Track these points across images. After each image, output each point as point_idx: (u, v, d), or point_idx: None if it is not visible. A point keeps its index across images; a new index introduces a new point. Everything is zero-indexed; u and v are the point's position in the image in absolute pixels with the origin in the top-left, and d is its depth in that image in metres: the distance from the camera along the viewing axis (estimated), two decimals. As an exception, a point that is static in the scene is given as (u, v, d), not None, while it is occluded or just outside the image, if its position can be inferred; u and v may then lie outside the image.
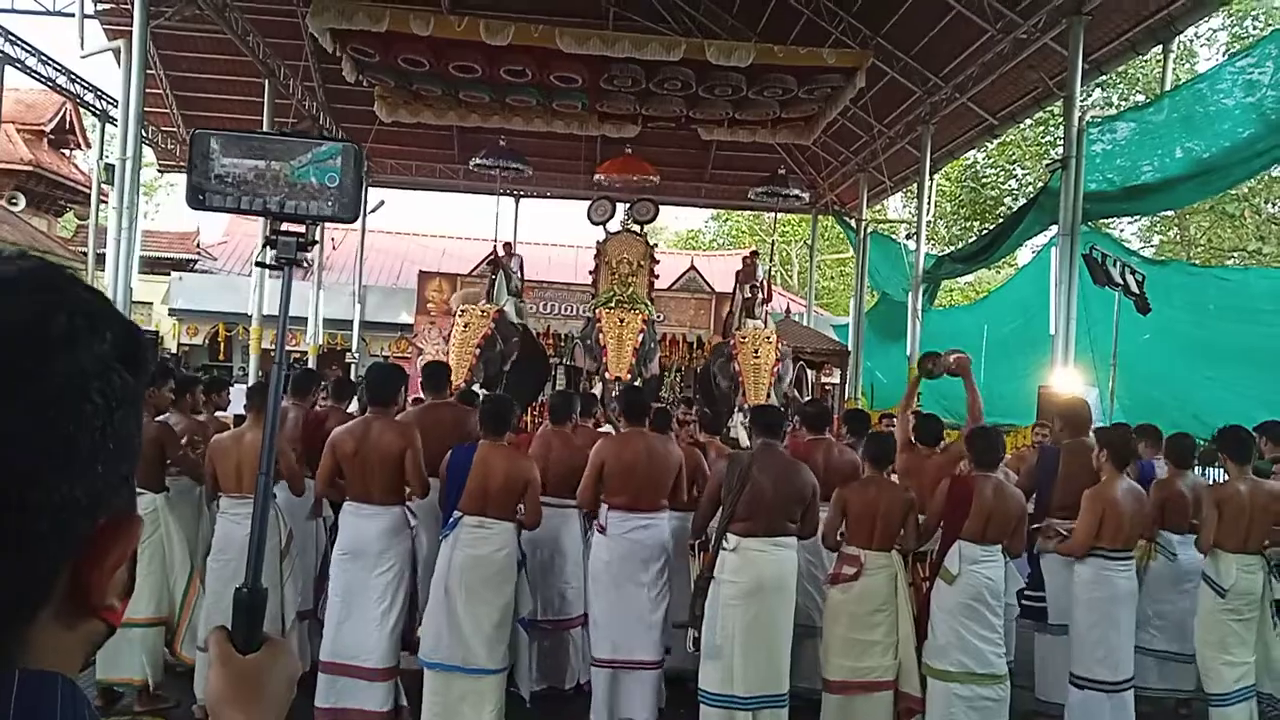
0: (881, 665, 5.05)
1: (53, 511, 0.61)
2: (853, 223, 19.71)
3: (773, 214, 21.51)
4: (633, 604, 5.27)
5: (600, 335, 10.77)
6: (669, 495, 5.50)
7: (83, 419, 0.63)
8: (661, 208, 13.07)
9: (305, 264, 1.44)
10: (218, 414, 6.88)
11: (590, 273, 11.91)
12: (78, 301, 0.66)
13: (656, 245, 12.36)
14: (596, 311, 11.14)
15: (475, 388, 9.80)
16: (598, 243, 12.05)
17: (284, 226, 1.41)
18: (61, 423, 0.62)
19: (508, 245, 12.68)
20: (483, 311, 10.86)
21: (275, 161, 1.37)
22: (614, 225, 12.04)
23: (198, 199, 1.39)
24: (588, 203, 12.65)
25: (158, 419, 5.49)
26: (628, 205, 12.33)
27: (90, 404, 0.63)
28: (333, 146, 1.41)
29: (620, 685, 5.30)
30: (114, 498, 0.67)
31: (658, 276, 12.41)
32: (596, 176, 14.07)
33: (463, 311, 10.82)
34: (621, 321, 10.75)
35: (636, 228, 12.08)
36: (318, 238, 1.51)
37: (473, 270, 12.89)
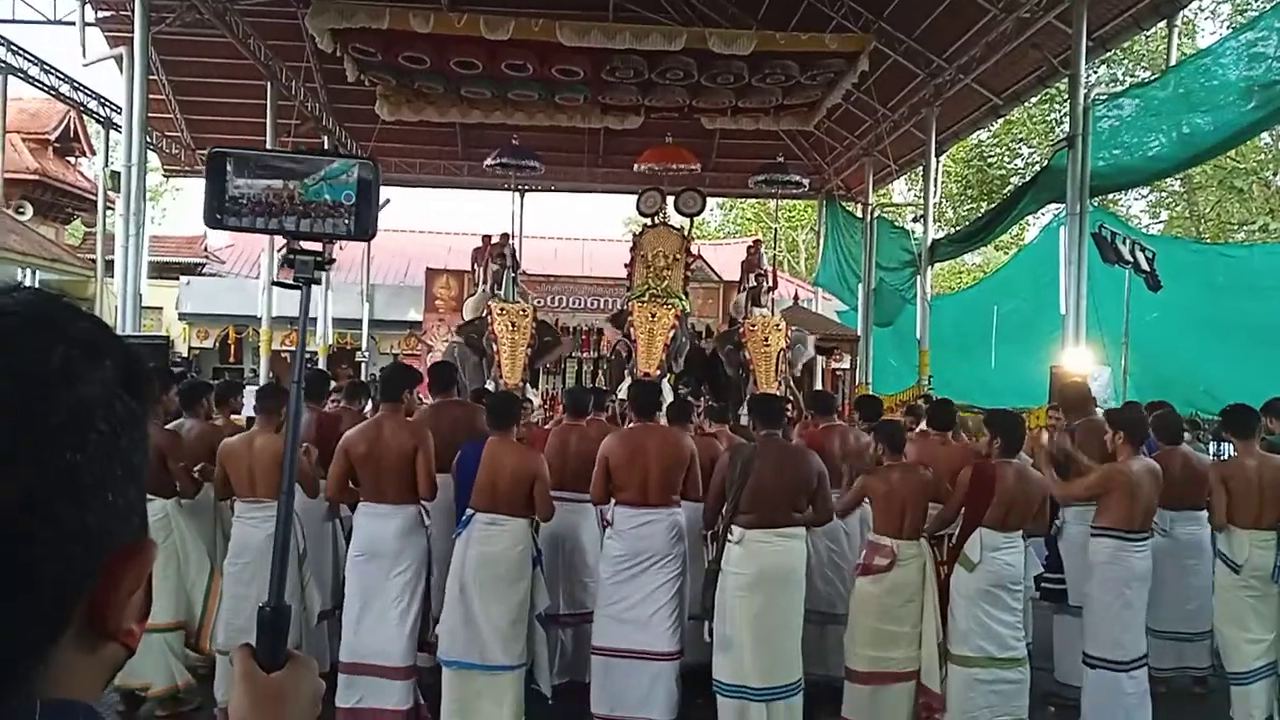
0: (907, 656, 5.02)
1: (65, 542, 0.62)
2: (856, 208, 19.68)
3: (778, 201, 21.49)
4: (641, 595, 5.17)
5: (631, 330, 10.74)
6: (684, 488, 5.39)
7: (88, 449, 0.63)
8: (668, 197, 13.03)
9: (320, 281, 1.44)
10: (233, 417, 6.90)
11: (625, 265, 11.86)
12: (76, 332, 0.66)
13: (692, 239, 12.33)
14: (629, 305, 11.10)
15: (528, 389, 9.87)
16: (634, 235, 12.03)
17: (301, 245, 1.42)
18: (67, 454, 0.62)
19: (487, 238, 12.65)
20: (523, 310, 10.85)
21: (289, 181, 1.38)
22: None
23: (214, 219, 1.39)
24: (593, 195, 12.67)
25: (167, 427, 5.49)
26: (674, 197, 12.29)
27: (95, 433, 0.64)
28: (345, 163, 1.41)
29: (622, 675, 5.18)
30: (126, 524, 0.67)
31: (693, 270, 12.37)
32: (637, 166, 14.00)
33: (503, 311, 10.76)
34: (653, 316, 10.69)
35: (675, 220, 12.05)
36: (335, 255, 1.50)
37: (474, 265, 12.83)
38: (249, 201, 1.38)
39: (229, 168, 1.37)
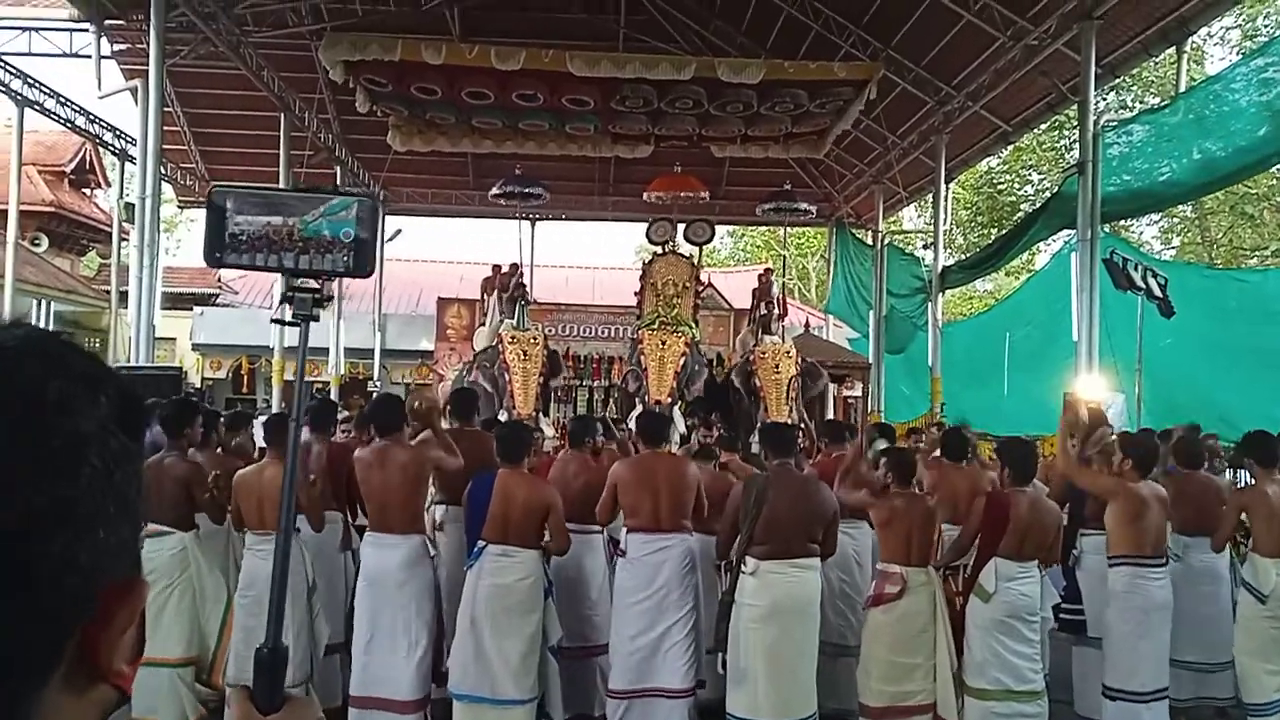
0: (924, 689, 4.94)
1: (56, 577, 0.61)
2: (866, 236, 19.70)
3: (788, 229, 21.50)
4: (657, 629, 5.15)
5: (642, 358, 10.75)
6: (692, 516, 5.41)
7: (81, 483, 0.63)
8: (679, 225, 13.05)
9: (319, 318, 1.44)
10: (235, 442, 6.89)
11: (635, 294, 11.90)
12: (72, 367, 0.66)
13: (701, 267, 12.37)
14: (639, 333, 11.12)
15: (543, 418, 9.88)
16: (644, 263, 12.07)
17: (300, 282, 1.42)
18: (60, 487, 0.61)
19: (497, 267, 12.71)
20: (534, 339, 10.87)
21: (289, 218, 1.38)
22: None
23: (214, 257, 1.40)
24: (603, 224, 12.72)
25: (188, 458, 5.49)
26: (683, 225, 12.37)
27: (88, 467, 0.63)
28: (345, 200, 1.41)
29: (639, 716, 5.15)
30: (118, 561, 0.66)
31: (703, 298, 12.39)
32: (646, 195, 14.09)
33: (514, 340, 10.77)
34: (663, 344, 10.71)
35: (684, 249, 12.10)
36: (334, 292, 1.50)
37: (483, 295, 12.77)
38: (249, 238, 1.38)
39: (229, 205, 1.37)
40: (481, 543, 4.94)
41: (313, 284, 1.42)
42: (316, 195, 1.41)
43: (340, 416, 8.01)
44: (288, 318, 1.40)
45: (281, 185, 12.93)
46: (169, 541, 5.20)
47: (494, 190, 14.23)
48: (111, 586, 0.65)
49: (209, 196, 1.40)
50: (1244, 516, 5.59)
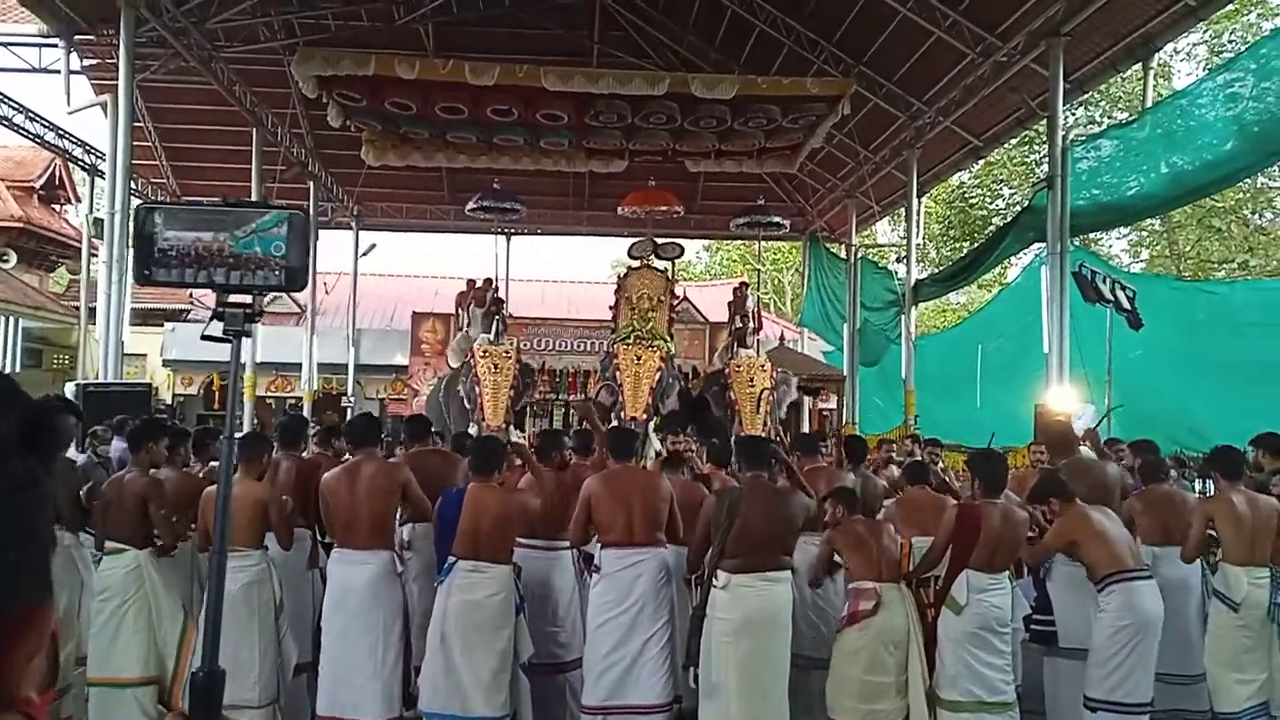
0: (896, 706, 4.90)
1: None
2: (839, 249, 19.81)
3: (763, 243, 21.58)
4: (633, 643, 5.11)
5: (618, 373, 10.74)
6: (666, 529, 5.39)
7: None
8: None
9: (250, 333, 1.42)
10: (211, 464, 6.81)
11: (610, 308, 11.91)
12: None
13: (676, 280, 12.40)
14: (614, 347, 11.11)
15: (512, 430, 9.83)
16: (619, 277, 12.07)
17: (231, 298, 1.40)
18: None
19: (471, 282, 12.70)
20: (505, 352, 10.84)
21: (219, 233, 1.36)
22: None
23: (143, 274, 1.38)
24: (579, 238, 12.69)
25: (148, 474, 5.41)
26: (655, 243, 12.43)
27: None
28: (277, 215, 1.40)
29: None
30: (24, 588, 0.64)
31: (678, 311, 12.40)
32: (621, 209, 14.11)
33: (485, 353, 10.74)
34: (638, 359, 10.69)
35: (659, 264, 12.12)
36: (264, 307, 1.48)
37: (458, 309, 12.69)
38: (178, 254, 1.36)
39: (158, 220, 1.36)
40: (452, 558, 4.90)
41: (244, 299, 1.41)
42: (248, 210, 1.40)
43: (312, 432, 7.93)
44: (218, 333, 1.39)
45: (254, 199, 12.84)
46: (124, 559, 5.11)
47: (471, 204, 14.22)
48: (16, 613, 0.64)
49: (135, 213, 1.38)
50: (1212, 528, 5.64)
